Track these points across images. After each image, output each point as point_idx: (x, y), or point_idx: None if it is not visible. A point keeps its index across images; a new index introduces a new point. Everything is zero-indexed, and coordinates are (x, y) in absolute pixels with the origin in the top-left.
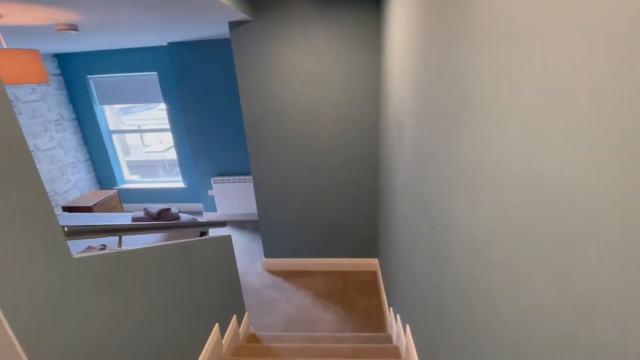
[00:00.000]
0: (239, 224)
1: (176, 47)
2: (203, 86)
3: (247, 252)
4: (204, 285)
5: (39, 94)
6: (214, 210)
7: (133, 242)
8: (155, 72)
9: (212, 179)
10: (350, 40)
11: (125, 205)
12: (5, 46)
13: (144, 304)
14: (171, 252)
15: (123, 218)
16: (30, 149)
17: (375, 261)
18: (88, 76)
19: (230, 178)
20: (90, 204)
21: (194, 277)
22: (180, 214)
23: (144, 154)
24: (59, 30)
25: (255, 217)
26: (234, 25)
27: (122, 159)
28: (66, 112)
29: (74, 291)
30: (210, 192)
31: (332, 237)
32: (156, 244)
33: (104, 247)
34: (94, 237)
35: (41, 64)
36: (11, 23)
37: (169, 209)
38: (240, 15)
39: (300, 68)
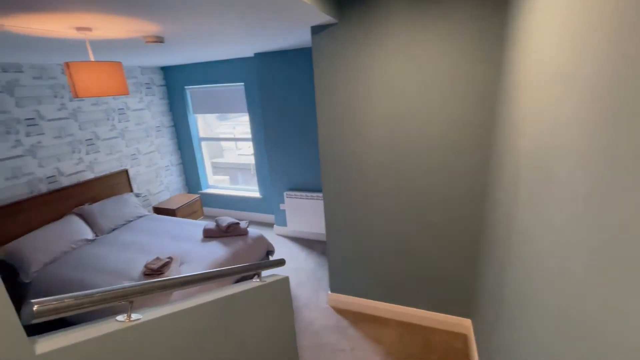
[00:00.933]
0: (308, 244)
1: (261, 58)
2: (285, 97)
3: (313, 280)
4: (248, 346)
5: (145, 103)
6: (285, 225)
7: (196, 256)
8: (242, 83)
9: (285, 193)
10: (460, 45)
11: (205, 209)
12: (92, 59)
13: None
14: (203, 315)
15: (196, 226)
16: (133, 152)
17: (467, 322)
18: (185, 87)
19: (303, 194)
20: (174, 207)
21: (235, 339)
22: (249, 229)
23: (237, 157)
24: (147, 42)
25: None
26: (316, 30)
27: (208, 165)
28: (166, 120)
29: None
30: (282, 206)
31: (414, 281)
32: (181, 306)
33: (170, 259)
34: (65, 314)
35: (122, 76)
36: (102, 37)
37: (238, 224)
38: (324, 17)
39: (389, 79)
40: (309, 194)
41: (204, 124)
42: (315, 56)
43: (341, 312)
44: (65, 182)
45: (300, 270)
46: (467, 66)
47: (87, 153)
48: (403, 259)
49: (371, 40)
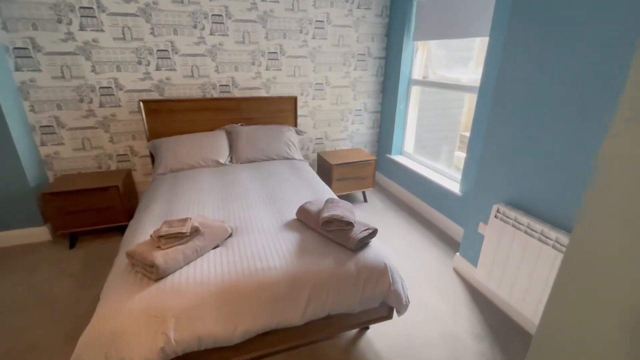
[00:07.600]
0: (503, 325)
1: None
2: (565, 23)
3: None
4: None
5: (354, 18)
6: (474, 264)
7: (252, 243)
8: None
9: (495, 206)
10: None
11: (383, 178)
12: None
13: None
14: None
15: (322, 196)
16: (320, 81)
17: None
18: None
19: (526, 222)
20: (333, 162)
21: None
22: (370, 243)
23: None
24: None
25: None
26: None
27: (412, 122)
28: (376, 48)
29: None
30: (482, 227)
31: None
32: None
33: (196, 231)
34: None
35: None
36: None
37: (351, 226)
38: None
39: None
40: (537, 224)
41: (422, 59)
42: None
43: None
44: (236, 94)
45: None
46: None
47: (267, 68)
48: None
49: None
